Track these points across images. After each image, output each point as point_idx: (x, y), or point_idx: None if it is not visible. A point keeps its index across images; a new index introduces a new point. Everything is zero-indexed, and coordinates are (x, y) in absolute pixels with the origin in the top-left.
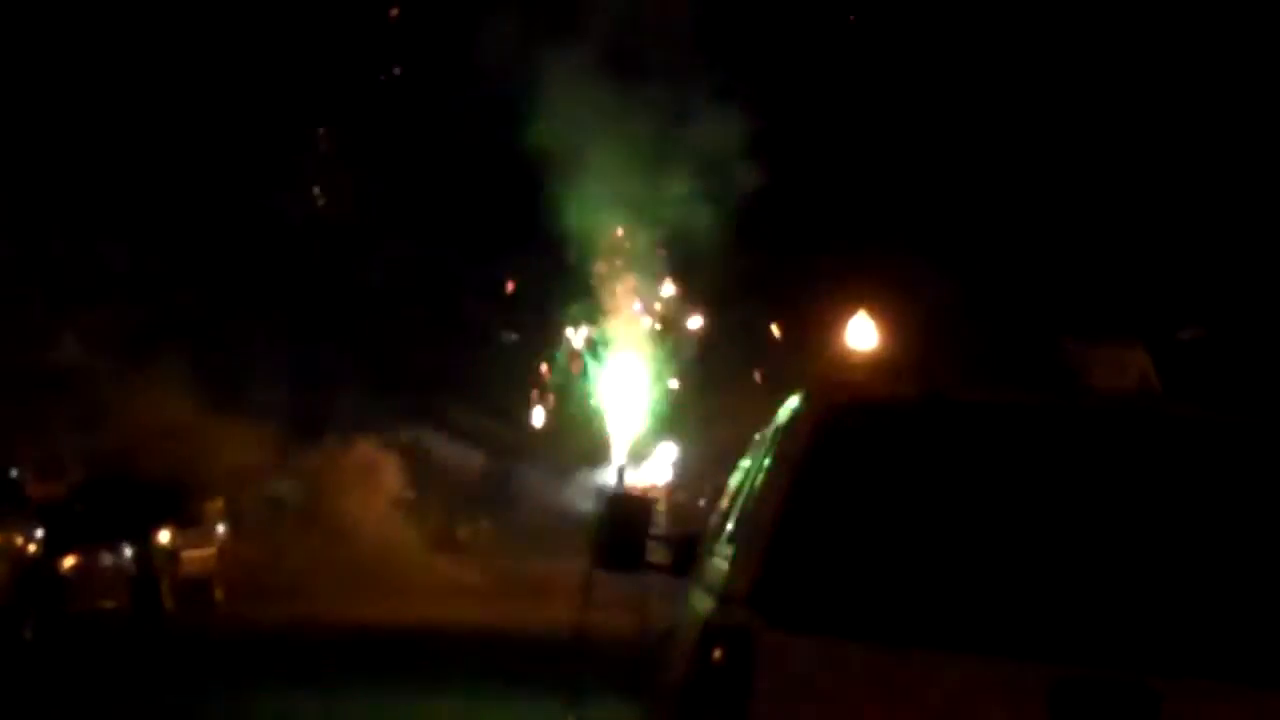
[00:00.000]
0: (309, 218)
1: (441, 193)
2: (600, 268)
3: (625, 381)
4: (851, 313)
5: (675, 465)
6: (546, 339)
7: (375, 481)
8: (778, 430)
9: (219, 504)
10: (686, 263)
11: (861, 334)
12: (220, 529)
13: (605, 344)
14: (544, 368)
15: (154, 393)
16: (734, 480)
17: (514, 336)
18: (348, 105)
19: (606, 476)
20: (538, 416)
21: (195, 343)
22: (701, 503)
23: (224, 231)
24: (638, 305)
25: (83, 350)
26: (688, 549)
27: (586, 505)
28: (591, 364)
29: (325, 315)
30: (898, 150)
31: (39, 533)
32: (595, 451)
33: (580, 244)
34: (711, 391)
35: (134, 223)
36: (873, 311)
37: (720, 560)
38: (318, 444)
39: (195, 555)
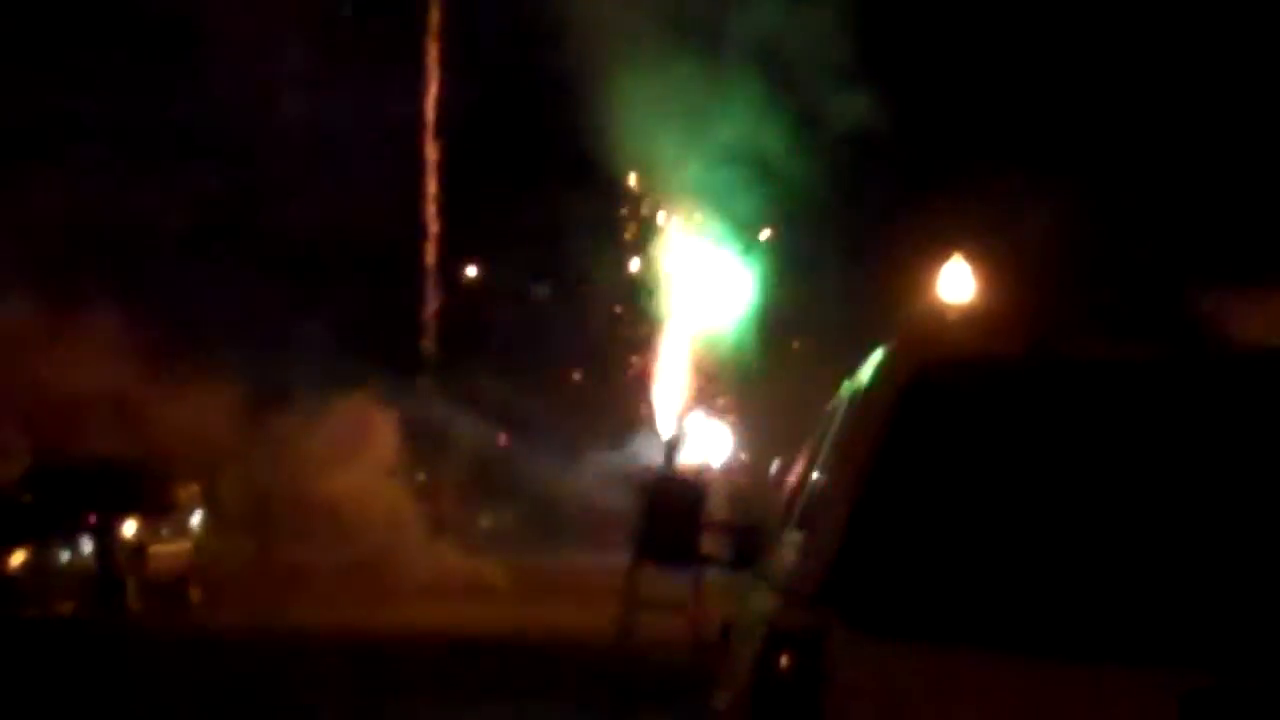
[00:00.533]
0: (278, 128)
1: (454, 114)
2: (652, 207)
3: (678, 340)
4: (945, 258)
5: (733, 439)
6: (586, 291)
7: (368, 449)
8: (856, 394)
9: (194, 489)
10: (756, 197)
11: (956, 282)
12: (196, 519)
13: (654, 296)
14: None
15: (106, 354)
16: (804, 454)
17: (546, 291)
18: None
19: (653, 454)
20: (574, 384)
21: (139, 285)
22: (773, 469)
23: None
24: (698, 251)
25: (25, 305)
26: (749, 538)
27: (630, 488)
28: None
29: (305, 263)
30: (999, 62)
31: None
32: (640, 425)
33: (631, 180)
34: (779, 353)
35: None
36: (969, 256)
37: (787, 550)
38: (286, 406)
39: (166, 550)
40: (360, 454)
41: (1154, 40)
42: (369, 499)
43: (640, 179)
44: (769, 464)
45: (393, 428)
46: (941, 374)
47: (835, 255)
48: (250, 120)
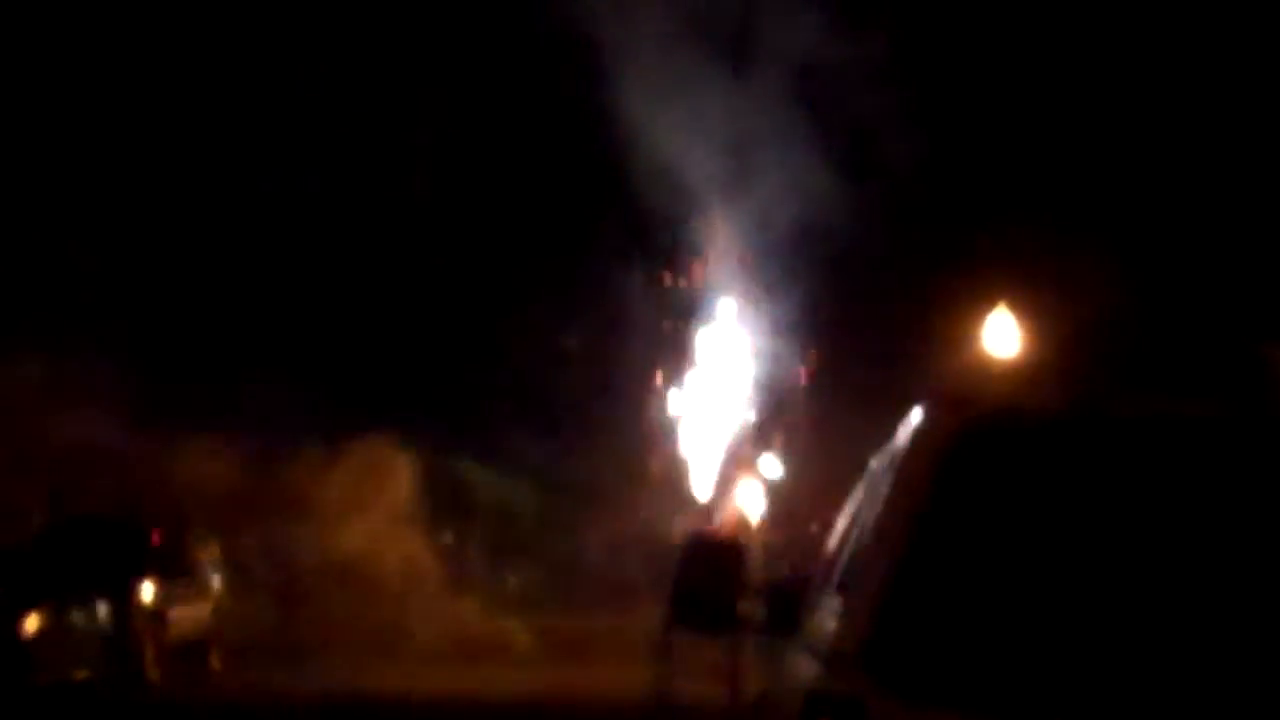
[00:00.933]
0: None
1: (480, 152)
2: (686, 259)
3: (713, 397)
4: (990, 308)
5: (771, 497)
6: (618, 344)
7: (384, 496)
8: (897, 452)
9: (214, 549)
10: (796, 248)
11: (1002, 334)
12: (216, 581)
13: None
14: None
15: (116, 408)
16: (844, 515)
17: (573, 342)
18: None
19: (688, 513)
20: (605, 439)
21: (140, 338)
22: (812, 530)
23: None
24: (733, 302)
25: (43, 364)
26: (787, 602)
27: (665, 548)
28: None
29: (326, 316)
30: (1048, 106)
31: None
32: (675, 484)
33: (665, 228)
34: (818, 406)
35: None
36: (1016, 307)
37: (826, 614)
38: (298, 457)
39: (186, 613)
40: (377, 501)
41: (1208, 87)
42: (389, 554)
43: (675, 225)
44: (808, 524)
45: (409, 472)
46: (985, 431)
47: (876, 305)
48: (257, 172)
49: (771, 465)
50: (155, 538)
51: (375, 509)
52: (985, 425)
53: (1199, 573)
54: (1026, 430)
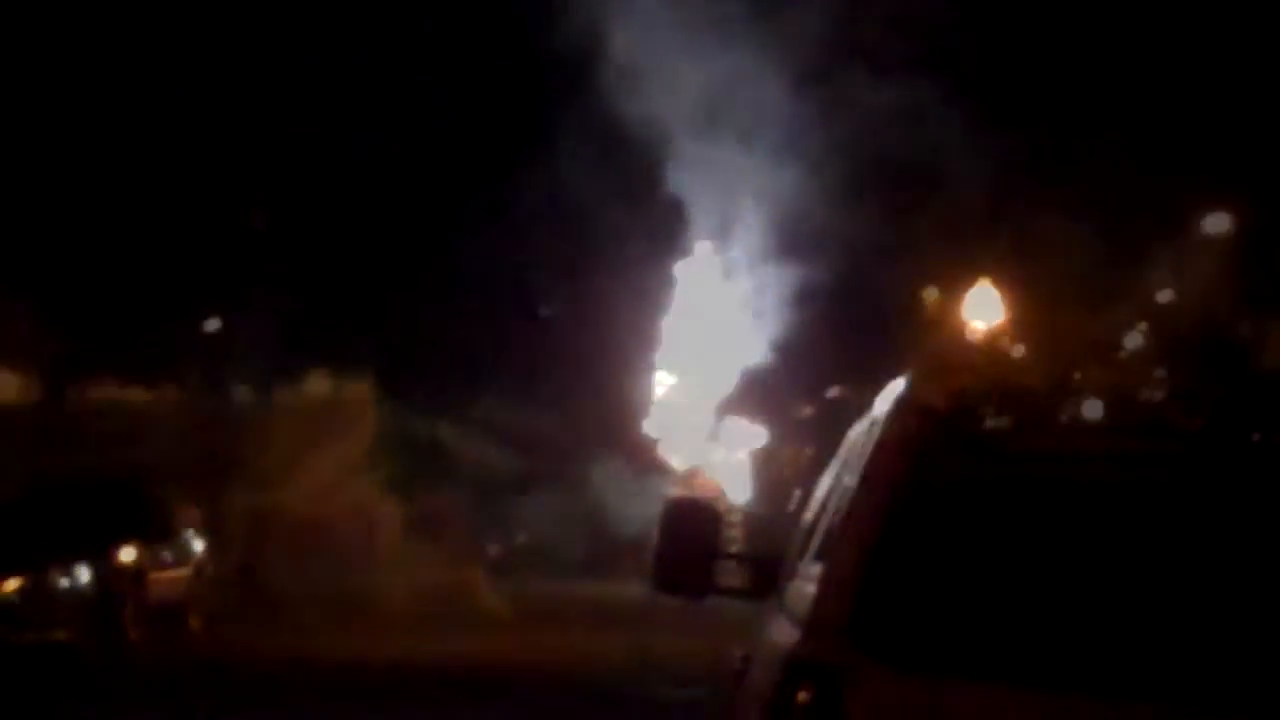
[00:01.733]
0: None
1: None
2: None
3: (694, 358)
4: (971, 282)
5: (754, 466)
6: (603, 309)
7: (347, 439)
8: (877, 423)
9: (193, 513)
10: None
11: (983, 306)
12: (197, 544)
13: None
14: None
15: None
16: (824, 484)
17: (547, 312)
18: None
19: (670, 481)
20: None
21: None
22: (794, 498)
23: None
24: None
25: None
26: (766, 568)
27: (647, 516)
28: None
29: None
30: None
31: None
32: (656, 452)
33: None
34: (804, 373)
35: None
36: (999, 280)
37: (806, 581)
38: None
39: (166, 576)
40: (337, 445)
41: (1195, 55)
42: (347, 503)
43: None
44: (788, 492)
45: (365, 411)
46: (966, 405)
47: (859, 276)
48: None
49: (754, 436)
50: (138, 501)
51: (334, 453)
52: (967, 398)
53: (1171, 552)
54: (1008, 403)
